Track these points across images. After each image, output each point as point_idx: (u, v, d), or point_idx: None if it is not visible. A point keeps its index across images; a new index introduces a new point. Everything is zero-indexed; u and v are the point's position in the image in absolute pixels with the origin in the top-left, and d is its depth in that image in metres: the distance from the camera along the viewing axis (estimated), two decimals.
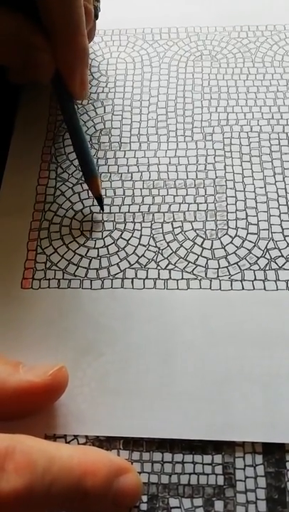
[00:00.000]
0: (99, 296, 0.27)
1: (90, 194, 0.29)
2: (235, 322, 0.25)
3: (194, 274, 0.27)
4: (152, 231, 0.28)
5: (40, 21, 0.27)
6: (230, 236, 0.28)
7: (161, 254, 0.28)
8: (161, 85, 0.34)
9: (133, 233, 0.28)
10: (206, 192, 0.29)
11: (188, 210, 0.29)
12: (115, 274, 0.27)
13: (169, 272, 0.27)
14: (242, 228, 0.28)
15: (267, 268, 0.27)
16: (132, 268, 0.27)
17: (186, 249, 0.28)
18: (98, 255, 0.28)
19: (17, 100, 0.34)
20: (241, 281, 0.27)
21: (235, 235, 0.28)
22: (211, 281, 0.27)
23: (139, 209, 0.29)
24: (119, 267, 0.27)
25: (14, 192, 0.30)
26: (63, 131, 0.32)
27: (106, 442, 0.23)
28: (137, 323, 0.26)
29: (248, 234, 0.28)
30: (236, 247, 0.28)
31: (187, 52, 0.35)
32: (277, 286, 0.26)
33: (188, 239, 0.28)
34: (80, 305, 0.26)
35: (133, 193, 0.30)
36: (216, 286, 0.27)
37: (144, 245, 0.28)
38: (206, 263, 0.27)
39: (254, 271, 0.27)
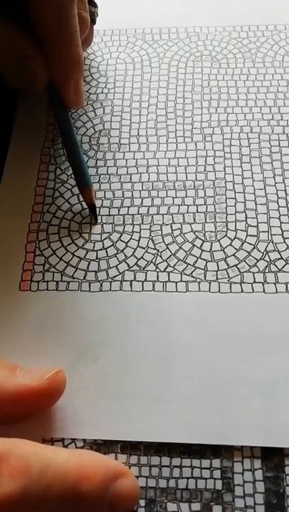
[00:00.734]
0: (97, 298, 0.27)
1: None
2: (234, 325, 0.25)
3: (193, 277, 0.27)
4: (151, 233, 0.28)
5: (33, 31, 0.27)
6: (229, 238, 0.28)
7: (160, 257, 0.27)
8: (161, 86, 0.34)
9: (132, 235, 0.28)
10: (205, 193, 0.29)
11: (187, 212, 0.29)
12: (114, 277, 0.27)
13: (168, 275, 0.27)
14: (241, 230, 0.28)
15: (266, 270, 0.27)
16: (131, 270, 0.27)
17: (185, 251, 0.28)
18: (97, 257, 0.28)
19: (16, 101, 0.34)
20: (240, 283, 0.26)
21: (235, 237, 0.28)
22: (210, 283, 0.26)
23: (138, 211, 0.29)
24: (117, 270, 0.27)
25: (13, 193, 0.30)
26: None
27: (104, 446, 0.23)
28: (136, 325, 0.26)
29: (247, 236, 0.28)
30: (235, 249, 0.27)
31: (187, 52, 0.35)
32: (276, 289, 0.26)
33: (188, 241, 0.28)
34: (78, 307, 0.26)
35: (132, 195, 0.30)
36: (215, 288, 0.26)
37: (142, 247, 0.28)
38: (205, 265, 0.27)
39: (253, 273, 0.27)
